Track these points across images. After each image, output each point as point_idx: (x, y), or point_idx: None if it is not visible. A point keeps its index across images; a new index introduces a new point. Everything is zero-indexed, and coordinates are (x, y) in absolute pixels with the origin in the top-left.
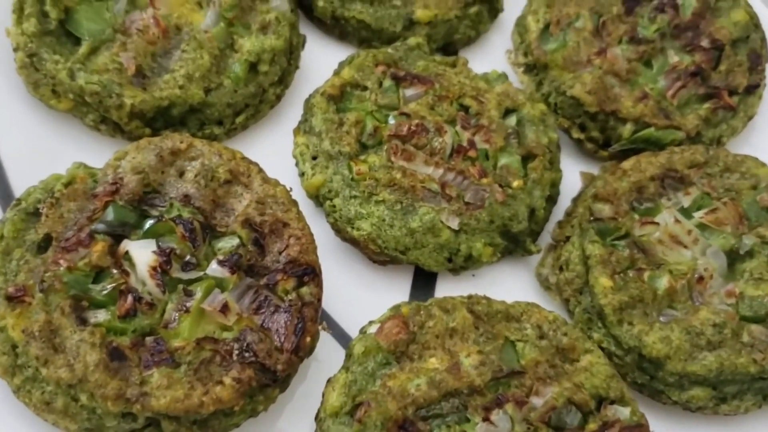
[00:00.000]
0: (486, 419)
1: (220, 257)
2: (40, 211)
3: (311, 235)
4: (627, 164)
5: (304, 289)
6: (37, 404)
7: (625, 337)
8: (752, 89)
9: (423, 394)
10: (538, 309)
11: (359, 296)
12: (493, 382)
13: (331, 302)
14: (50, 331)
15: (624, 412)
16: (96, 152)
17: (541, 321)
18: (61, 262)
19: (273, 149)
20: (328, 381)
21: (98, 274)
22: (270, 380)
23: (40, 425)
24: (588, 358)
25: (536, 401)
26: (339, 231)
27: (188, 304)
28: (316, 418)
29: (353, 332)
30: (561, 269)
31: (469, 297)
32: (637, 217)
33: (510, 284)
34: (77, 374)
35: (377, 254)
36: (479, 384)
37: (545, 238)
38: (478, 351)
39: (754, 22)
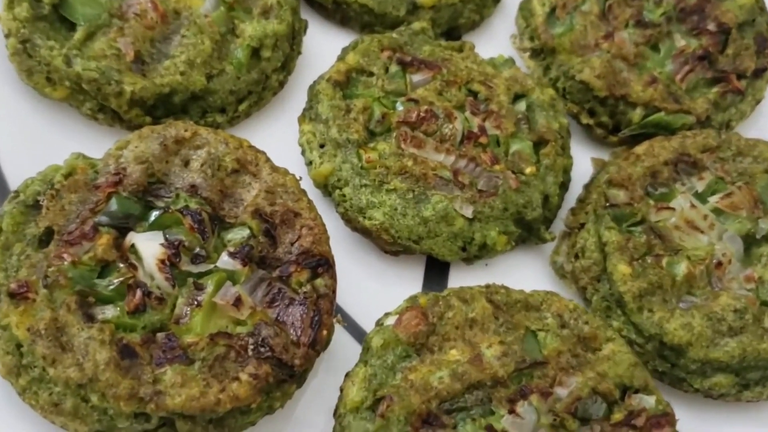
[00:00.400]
0: (512, 411)
1: (231, 249)
2: (40, 203)
3: (323, 225)
4: (640, 149)
5: (319, 281)
6: (44, 406)
7: (645, 324)
8: (760, 73)
9: (446, 387)
10: (558, 298)
11: (371, 288)
12: (516, 373)
13: (343, 294)
14: (56, 328)
15: (649, 401)
16: (94, 142)
17: (561, 310)
18: (65, 256)
19: (277, 137)
20: (347, 375)
21: (104, 268)
22: (287, 375)
23: (48, 428)
24: (610, 346)
25: (560, 392)
26: (350, 221)
27: (199, 298)
28: (335, 413)
29: (366, 325)
30: (576, 257)
31: (487, 286)
32: (652, 202)
33: (524, 273)
34: (87, 373)
35: (390, 244)
36: (502, 375)
37: (558, 226)
38: (500, 341)
39: (759, 5)
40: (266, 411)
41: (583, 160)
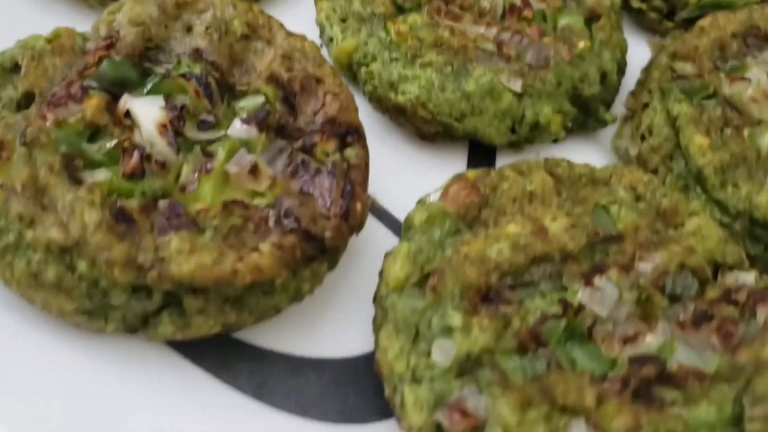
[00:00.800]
0: (588, 284)
1: (244, 116)
2: (19, 64)
3: (350, 92)
4: (704, 22)
5: (349, 151)
6: (21, 279)
7: (731, 200)
8: None
9: (507, 260)
10: (630, 170)
11: (406, 178)
12: (588, 248)
13: (375, 186)
14: (36, 189)
15: (748, 278)
16: (81, 25)
17: (634, 182)
18: (48, 116)
19: (290, 22)
20: (387, 255)
21: (94, 134)
22: (317, 251)
23: (27, 313)
24: (695, 221)
25: (643, 267)
26: (380, 100)
27: (209, 166)
28: (375, 298)
29: (403, 218)
30: (643, 138)
31: (546, 160)
32: (723, 75)
33: (581, 162)
34: (73, 235)
35: (427, 123)
36: (573, 249)
37: (617, 111)
38: (566, 214)
39: None
40: (293, 295)
41: (637, 50)
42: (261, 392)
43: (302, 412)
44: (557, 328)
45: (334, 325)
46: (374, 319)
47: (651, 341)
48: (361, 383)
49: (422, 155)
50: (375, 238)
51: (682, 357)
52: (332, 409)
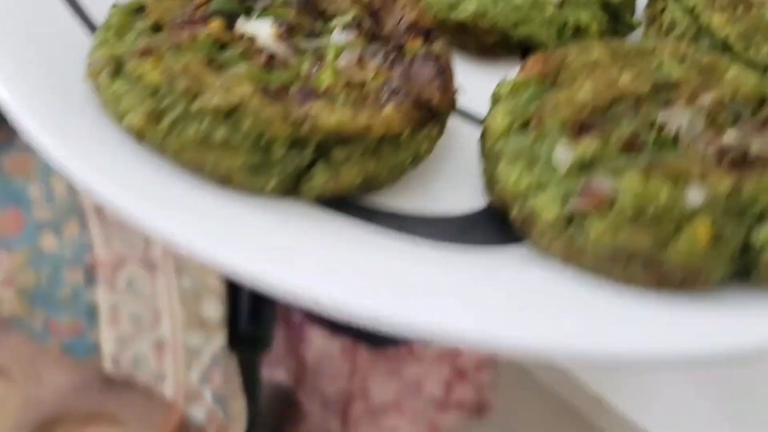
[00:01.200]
0: (664, 111)
1: (341, 27)
2: (143, 5)
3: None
4: None
5: (434, 45)
6: (193, 142)
7: (757, 57)
8: None
9: (593, 101)
10: (667, 42)
11: (472, 85)
12: (654, 92)
13: None
14: (190, 78)
15: None
16: None
17: (674, 49)
18: (182, 33)
19: None
20: (485, 119)
21: (221, 48)
22: (427, 114)
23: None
24: (732, 71)
25: (702, 101)
26: (442, 23)
27: (322, 64)
28: (482, 152)
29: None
30: (667, 33)
31: (598, 40)
32: None
33: None
34: (234, 100)
35: (487, 33)
36: (642, 92)
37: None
38: (629, 70)
39: None
40: (413, 156)
41: None
42: (401, 232)
43: (446, 239)
44: (649, 138)
45: (446, 189)
46: (484, 170)
47: (728, 140)
48: (482, 231)
49: (482, 68)
50: (459, 127)
51: (756, 148)
52: (467, 242)
